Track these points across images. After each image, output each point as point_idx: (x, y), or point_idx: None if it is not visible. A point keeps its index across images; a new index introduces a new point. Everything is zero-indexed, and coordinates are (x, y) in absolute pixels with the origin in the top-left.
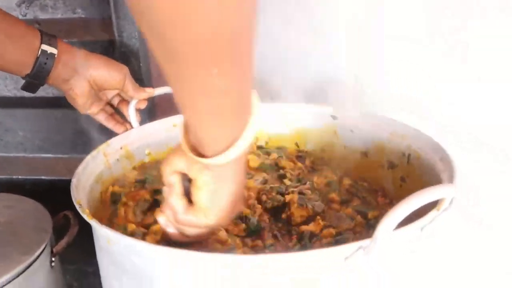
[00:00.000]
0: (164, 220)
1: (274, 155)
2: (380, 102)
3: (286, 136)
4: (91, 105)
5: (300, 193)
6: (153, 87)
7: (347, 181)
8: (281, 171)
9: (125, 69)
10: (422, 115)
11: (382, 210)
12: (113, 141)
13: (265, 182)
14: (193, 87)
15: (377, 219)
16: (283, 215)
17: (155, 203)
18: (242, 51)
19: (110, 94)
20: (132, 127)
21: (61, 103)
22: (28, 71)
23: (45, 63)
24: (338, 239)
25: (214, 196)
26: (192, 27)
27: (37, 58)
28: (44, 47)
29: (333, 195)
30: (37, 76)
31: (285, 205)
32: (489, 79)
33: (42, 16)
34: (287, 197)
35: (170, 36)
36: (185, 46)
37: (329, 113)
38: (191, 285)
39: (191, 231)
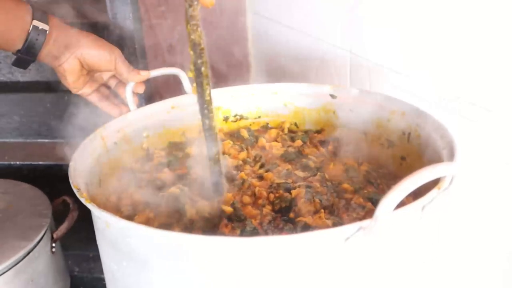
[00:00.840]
0: None
1: (299, 142)
2: (377, 76)
3: (285, 117)
4: (83, 85)
5: (308, 186)
6: (148, 69)
7: (364, 167)
8: (304, 160)
9: (117, 51)
10: (419, 88)
11: None
12: (110, 124)
13: (288, 174)
14: None
15: None
16: (291, 214)
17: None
18: None
19: (105, 75)
20: (129, 110)
21: (56, 87)
22: (19, 46)
23: (37, 39)
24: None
25: None
26: None
27: (28, 33)
28: (36, 22)
29: (346, 185)
30: (28, 51)
31: (292, 203)
32: (487, 46)
33: None
34: (294, 192)
35: None
36: None
37: (328, 92)
38: (188, 267)
39: None
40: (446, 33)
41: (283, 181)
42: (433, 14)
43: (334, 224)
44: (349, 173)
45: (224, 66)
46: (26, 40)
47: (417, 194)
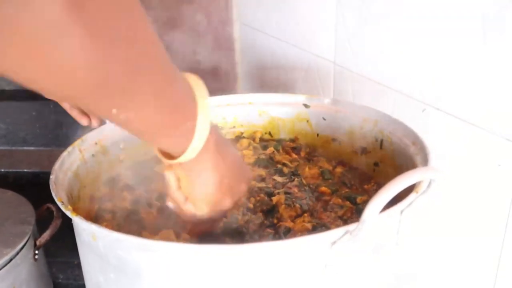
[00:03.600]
0: (173, 206)
1: (271, 149)
2: (360, 88)
3: (260, 126)
4: None
5: (287, 192)
6: None
7: (339, 169)
8: (278, 166)
9: None
10: (403, 98)
11: (370, 194)
12: (88, 136)
13: (262, 179)
14: (115, 121)
15: (366, 203)
16: (275, 220)
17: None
18: (131, 87)
19: None
20: (98, 120)
21: (41, 95)
22: None
23: None
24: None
25: (195, 186)
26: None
27: None
28: None
29: (323, 188)
30: None
31: (274, 208)
32: (469, 58)
33: None
34: (274, 199)
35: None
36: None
37: (301, 102)
38: (180, 277)
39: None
40: (428, 45)
41: (264, 185)
42: (416, 27)
43: (315, 227)
44: (324, 175)
45: (211, 76)
46: None
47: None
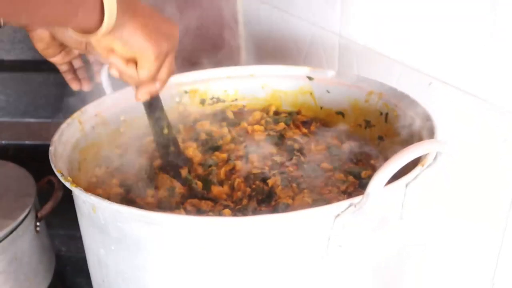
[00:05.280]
0: (117, 74)
1: (282, 125)
2: (365, 61)
3: (262, 99)
4: (54, 54)
5: (282, 173)
6: None
7: (347, 145)
8: (289, 142)
9: None
10: (408, 71)
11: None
12: (88, 108)
13: (270, 156)
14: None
15: (370, 178)
16: (273, 203)
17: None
18: None
19: (76, 51)
20: (89, 86)
21: (42, 66)
22: None
23: None
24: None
25: (128, 47)
26: None
27: None
28: None
29: (324, 164)
30: None
31: (272, 193)
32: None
33: None
34: (270, 182)
35: None
36: None
37: (305, 74)
38: (181, 249)
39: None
40: (435, 16)
41: (259, 171)
42: None
43: (315, 201)
44: (331, 151)
45: (214, 49)
46: None
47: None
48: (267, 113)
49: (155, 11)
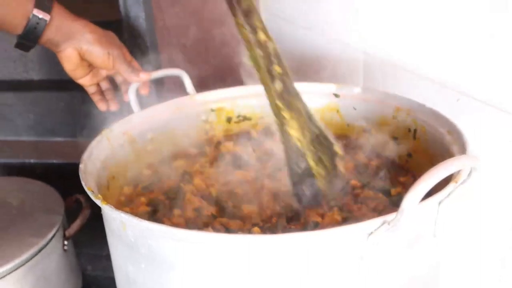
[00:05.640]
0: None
1: None
2: (389, 77)
3: None
4: (82, 75)
5: None
6: (162, 68)
7: (374, 163)
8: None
9: (117, 51)
10: (435, 87)
11: (406, 187)
12: (116, 126)
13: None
14: None
15: (400, 195)
16: (302, 220)
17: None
18: None
19: (104, 72)
20: (116, 107)
21: (69, 86)
22: (20, 31)
23: (35, 28)
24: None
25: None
26: None
27: (29, 20)
28: (37, 11)
29: (353, 182)
30: (28, 37)
31: (300, 211)
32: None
33: None
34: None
35: None
36: None
37: (331, 91)
38: (214, 267)
39: None
40: (463, 30)
41: (287, 189)
42: (449, 13)
43: (345, 219)
44: (359, 169)
45: (238, 67)
46: (26, 27)
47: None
48: None
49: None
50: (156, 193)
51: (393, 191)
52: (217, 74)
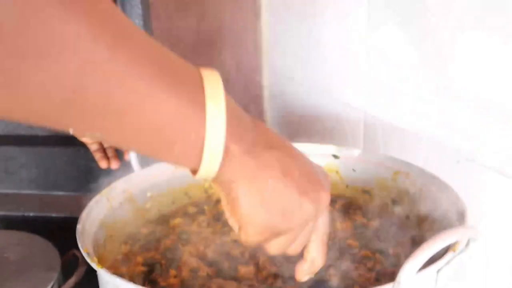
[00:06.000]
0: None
1: None
2: (390, 137)
3: None
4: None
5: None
6: None
7: (374, 223)
8: None
9: None
10: (436, 148)
11: (403, 247)
12: (117, 184)
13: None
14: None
15: (398, 256)
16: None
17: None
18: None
19: None
20: (117, 165)
21: (74, 141)
22: None
23: None
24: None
25: (233, 208)
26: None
27: None
28: None
29: (351, 241)
30: None
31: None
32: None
33: None
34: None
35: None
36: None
37: (330, 153)
38: None
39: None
40: (462, 93)
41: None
42: (449, 77)
43: (341, 279)
44: (357, 229)
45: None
46: None
47: None
48: None
49: (306, 161)
50: (153, 253)
51: (391, 251)
52: None
